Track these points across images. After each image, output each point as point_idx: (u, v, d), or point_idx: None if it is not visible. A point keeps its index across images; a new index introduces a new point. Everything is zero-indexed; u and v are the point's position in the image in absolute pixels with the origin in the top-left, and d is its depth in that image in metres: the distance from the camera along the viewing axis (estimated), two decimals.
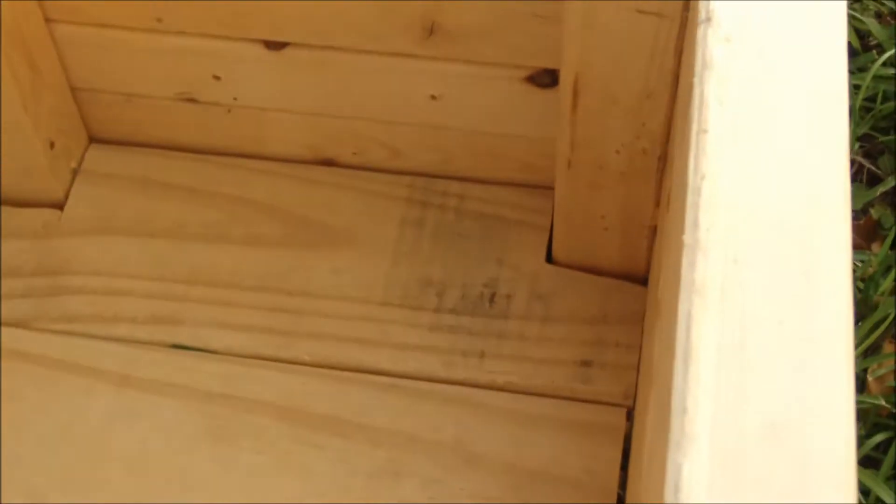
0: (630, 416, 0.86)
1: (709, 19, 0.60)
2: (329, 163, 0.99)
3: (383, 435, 0.86)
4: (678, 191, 0.65)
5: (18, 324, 0.93)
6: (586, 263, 0.92)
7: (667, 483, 0.43)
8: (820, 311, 0.47)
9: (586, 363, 0.88)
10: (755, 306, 0.48)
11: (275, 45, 0.91)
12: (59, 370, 0.90)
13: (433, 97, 0.91)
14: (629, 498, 0.82)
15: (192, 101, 0.97)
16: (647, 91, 0.77)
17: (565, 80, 0.79)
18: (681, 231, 0.55)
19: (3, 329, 0.92)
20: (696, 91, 0.58)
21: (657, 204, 0.85)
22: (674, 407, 0.45)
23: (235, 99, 0.96)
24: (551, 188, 0.96)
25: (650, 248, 0.89)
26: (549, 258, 0.93)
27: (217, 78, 0.94)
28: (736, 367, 0.46)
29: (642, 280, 0.92)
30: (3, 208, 0.99)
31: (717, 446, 0.44)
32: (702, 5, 0.62)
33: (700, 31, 0.61)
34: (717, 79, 0.58)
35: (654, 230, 0.87)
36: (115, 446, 0.87)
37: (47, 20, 0.92)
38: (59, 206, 0.98)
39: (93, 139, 1.02)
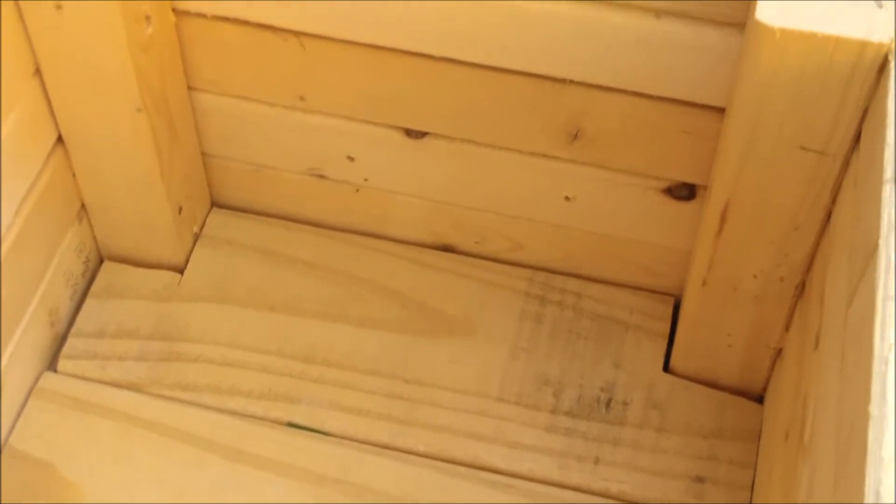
0: None
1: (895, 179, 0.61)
2: (449, 248, 1.00)
3: None
4: (842, 340, 0.65)
5: (132, 386, 0.93)
6: (704, 376, 0.92)
7: None
8: None
9: (699, 479, 0.88)
10: None
11: (416, 134, 0.91)
12: (173, 438, 0.90)
13: (567, 198, 0.92)
14: None
15: (321, 177, 0.97)
16: (795, 223, 0.78)
17: (714, 203, 0.80)
18: (860, 395, 0.55)
19: (117, 391, 0.93)
20: (882, 255, 0.59)
21: (786, 328, 0.85)
22: None
23: (366, 180, 0.96)
24: (671, 294, 0.97)
25: (771, 368, 0.89)
26: (666, 366, 0.94)
27: (351, 159, 0.95)
28: None
29: (758, 398, 0.92)
30: (123, 266, 0.99)
31: None
32: (887, 163, 0.62)
33: (885, 192, 0.61)
34: None
35: (778, 351, 0.88)
36: None
37: (190, 88, 0.93)
38: (179, 270, 0.99)
39: (214, 203, 1.03)
